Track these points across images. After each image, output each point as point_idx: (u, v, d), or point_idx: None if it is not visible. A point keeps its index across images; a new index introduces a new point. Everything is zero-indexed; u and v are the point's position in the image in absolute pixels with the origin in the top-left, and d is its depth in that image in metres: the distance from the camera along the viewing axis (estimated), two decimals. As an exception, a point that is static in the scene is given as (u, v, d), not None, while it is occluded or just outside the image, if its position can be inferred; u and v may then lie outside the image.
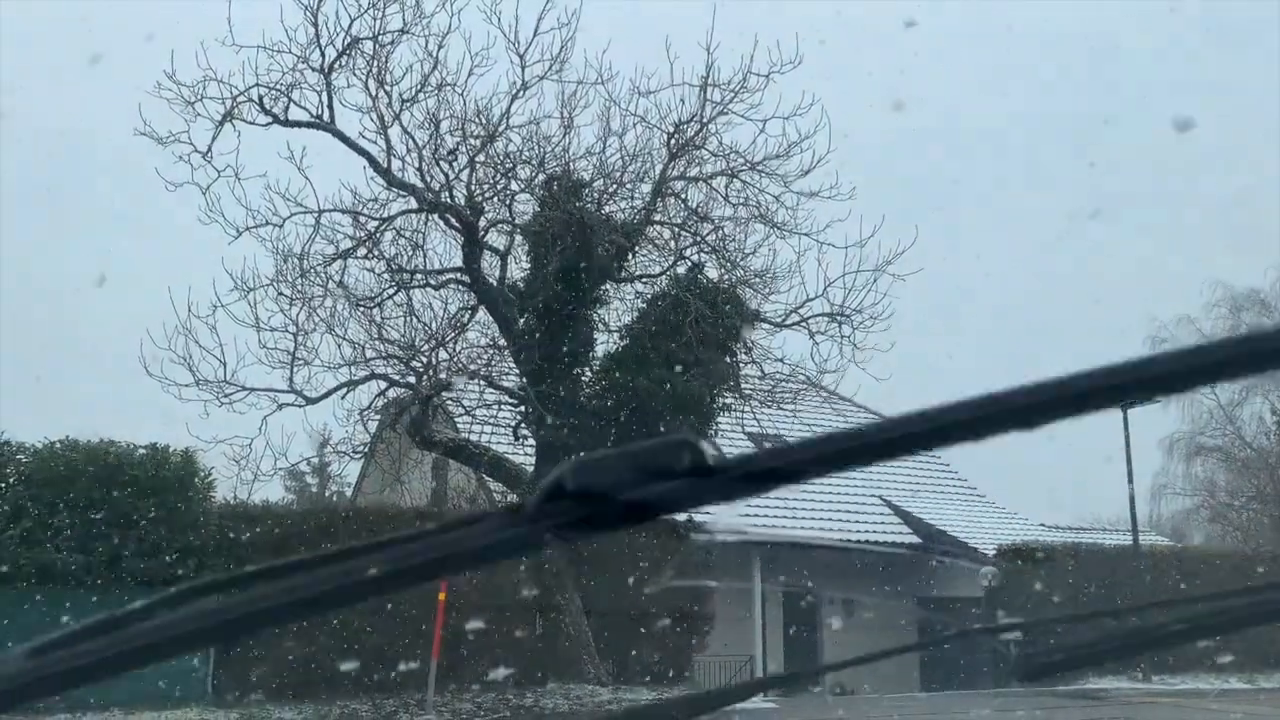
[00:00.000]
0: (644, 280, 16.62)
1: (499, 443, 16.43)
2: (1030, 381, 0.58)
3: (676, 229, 16.26)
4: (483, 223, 15.48)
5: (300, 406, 14.99)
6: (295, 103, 14.50)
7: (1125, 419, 21.18)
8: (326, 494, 36.48)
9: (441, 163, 15.14)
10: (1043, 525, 25.83)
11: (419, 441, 15.61)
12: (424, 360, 15.50)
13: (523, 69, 14.98)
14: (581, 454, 0.57)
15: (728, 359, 16.27)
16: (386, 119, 14.78)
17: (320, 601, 0.60)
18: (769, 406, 16.77)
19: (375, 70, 14.68)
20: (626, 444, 0.59)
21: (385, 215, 15.31)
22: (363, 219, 15.28)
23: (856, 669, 20.79)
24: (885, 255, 15.24)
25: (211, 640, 0.64)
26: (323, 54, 14.39)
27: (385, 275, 15.58)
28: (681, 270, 16.26)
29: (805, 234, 15.66)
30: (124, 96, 14.96)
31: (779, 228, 15.80)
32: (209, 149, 14.16)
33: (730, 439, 21.34)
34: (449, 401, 16.75)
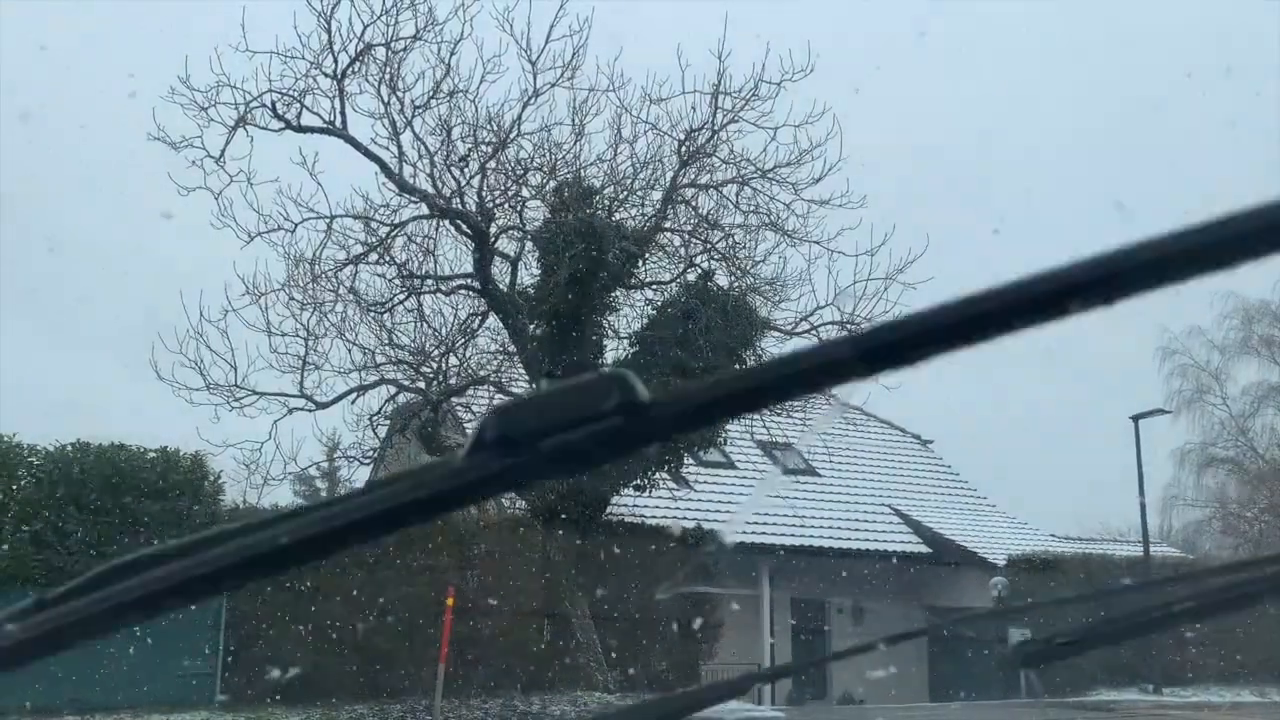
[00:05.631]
0: (654, 287, 16.61)
1: (508, 449, 16.37)
2: (1007, 280, 0.51)
3: (687, 236, 16.26)
4: (493, 229, 15.49)
5: (310, 411, 15.06)
6: (308, 108, 14.55)
7: (1136, 429, 21.10)
8: (337, 499, 36.47)
9: (453, 169, 15.18)
10: (1053, 536, 25.67)
11: (429, 447, 15.61)
12: (434, 366, 15.52)
13: (534, 76, 15.03)
14: (505, 400, 0.55)
15: (737, 366, 16.23)
16: (398, 125, 14.84)
17: (226, 575, 0.59)
18: (778, 414, 16.70)
19: (388, 76, 14.74)
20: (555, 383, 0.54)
21: (396, 221, 15.36)
22: (374, 224, 15.33)
23: (862, 678, 20.58)
24: (896, 263, 15.20)
25: (158, 607, 0.63)
26: (335, 60, 14.45)
27: (396, 281, 15.64)
28: (692, 277, 16.23)
29: (816, 242, 15.65)
30: (139, 100, 14.99)
31: (789, 235, 15.80)
32: (222, 154, 14.22)
33: (739, 446, 21.31)
34: (459, 407, 16.75)
